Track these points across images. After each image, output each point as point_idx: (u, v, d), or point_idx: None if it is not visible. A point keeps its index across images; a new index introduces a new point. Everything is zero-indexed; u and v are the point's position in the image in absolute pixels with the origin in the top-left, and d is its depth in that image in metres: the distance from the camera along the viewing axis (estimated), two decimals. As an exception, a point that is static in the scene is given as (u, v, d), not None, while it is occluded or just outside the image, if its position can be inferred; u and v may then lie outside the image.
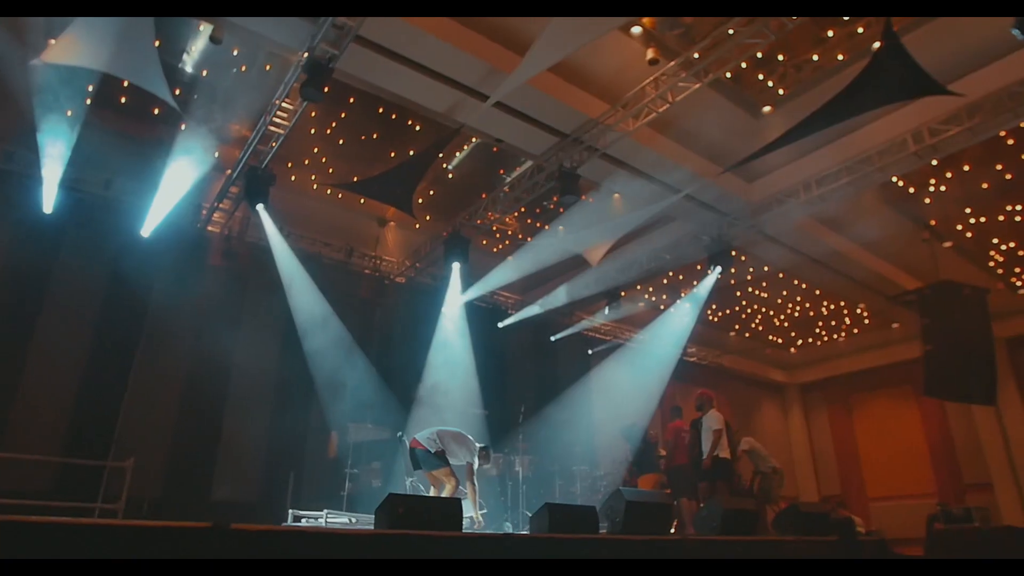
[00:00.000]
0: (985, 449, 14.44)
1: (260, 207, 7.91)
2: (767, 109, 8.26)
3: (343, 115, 8.53)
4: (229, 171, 8.96)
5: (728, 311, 15.46)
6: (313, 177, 9.90)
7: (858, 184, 8.08)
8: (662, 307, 15.02)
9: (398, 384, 9.02)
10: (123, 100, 8.17)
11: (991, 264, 12.56)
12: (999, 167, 9.55)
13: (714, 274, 9.53)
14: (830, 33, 7.16)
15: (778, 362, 18.51)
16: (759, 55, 7.39)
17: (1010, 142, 8.93)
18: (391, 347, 9.67)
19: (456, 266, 9.39)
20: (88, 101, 7.96)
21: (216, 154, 9.25)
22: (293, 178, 9.74)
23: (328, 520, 5.00)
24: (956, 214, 10.90)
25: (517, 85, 6.58)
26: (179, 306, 8.72)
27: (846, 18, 6.99)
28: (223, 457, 8.38)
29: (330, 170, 9.70)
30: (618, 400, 10.91)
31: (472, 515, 5.53)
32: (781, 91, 8.00)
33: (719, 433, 7.63)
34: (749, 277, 13.27)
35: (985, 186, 10.05)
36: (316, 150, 9.26)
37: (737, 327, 16.29)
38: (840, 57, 7.45)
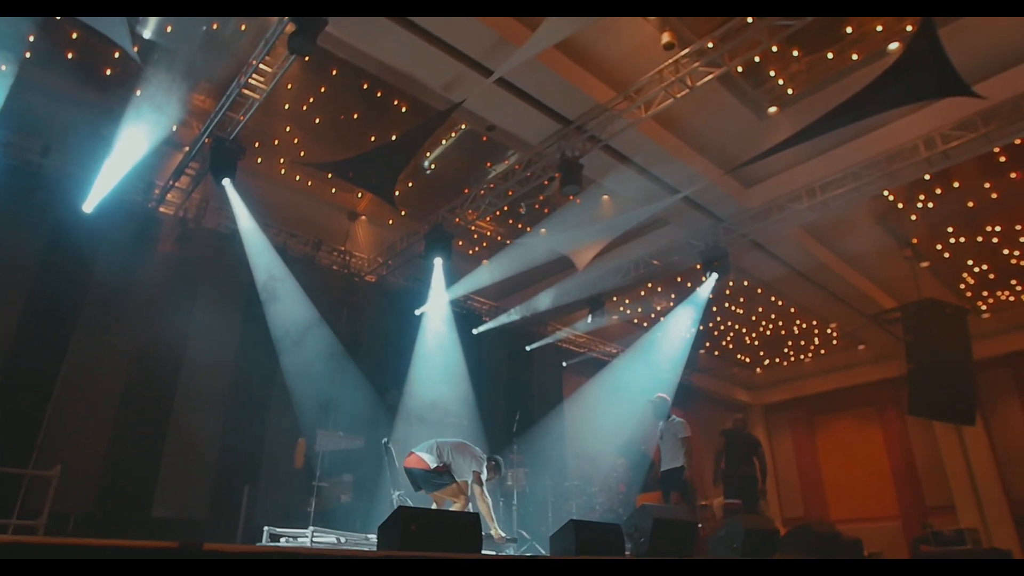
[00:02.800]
0: (948, 471, 14.53)
1: (226, 182, 7.02)
2: (772, 110, 7.94)
3: (323, 89, 7.77)
4: (188, 148, 8.06)
5: (701, 327, 15.15)
6: (282, 160, 9.05)
7: (864, 191, 7.84)
8: (635, 320, 14.67)
9: (372, 389, 8.16)
10: (70, 55, 7.20)
11: (961, 287, 12.67)
12: (987, 185, 9.56)
13: (711, 281, 9.08)
14: (848, 29, 6.90)
15: (743, 382, 18.38)
16: (774, 48, 7.08)
17: (1002, 159, 8.93)
18: (362, 349, 8.81)
19: (438, 262, 8.65)
20: (28, 54, 6.98)
21: (174, 127, 8.34)
22: (259, 160, 8.87)
23: (315, 540, 4.15)
24: (938, 233, 10.90)
25: (528, 58, 6.02)
26: (122, 294, 7.70)
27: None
28: (167, 467, 7.33)
29: (301, 153, 8.88)
30: (610, 416, 10.30)
31: (491, 532, 4.76)
32: (790, 90, 7.71)
33: (690, 440, 7.02)
34: (728, 291, 13.03)
35: (971, 204, 10.06)
36: (288, 129, 8.45)
37: (708, 344, 16.04)
38: (854, 57, 7.20)
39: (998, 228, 10.67)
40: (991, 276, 12.26)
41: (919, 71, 6.08)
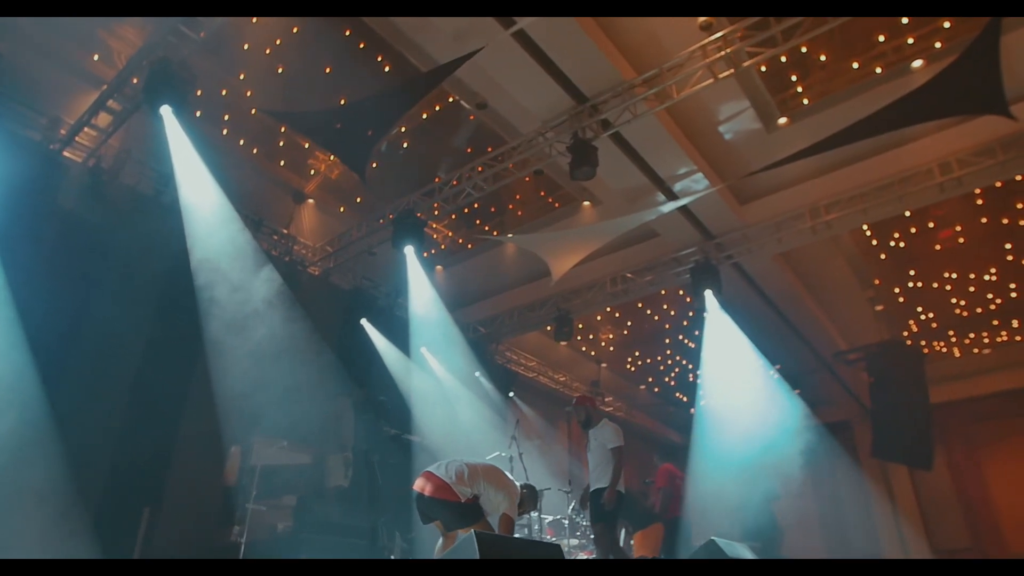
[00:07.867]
0: (876, 520, 14.55)
1: (167, 110, 5.53)
2: (782, 121, 7.51)
3: (295, 30, 6.55)
4: (106, 85, 6.53)
5: (649, 360, 14.65)
6: (227, 118, 7.65)
7: (872, 213, 7.51)
8: (583, 347, 13.91)
9: (317, 394, 6.67)
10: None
11: (905, 334, 12.84)
12: (958, 228, 9.63)
13: (712, 299, 8.36)
14: (881, 38, 6.59)
15: (678, 423, 17.97)
16: (803, 49, 6.68)
17: (980, 202, 8.98)
18: (308, 348, 7.31)
19: (410, 250, 7.39)
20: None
21: (96, 56, 6.81)
22: (198, 114, 7.42)
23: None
24: (900, 275, 10.94)
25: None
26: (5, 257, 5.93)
27: (902, 23, 6.46)
28: (39, 479, 5.54)
29: (252, 111, 7.53)
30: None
31: None
32: (806, 100, 7.31)
33: (621, 452, 5.62)
34: (685, 323, 12.56)
35: (938, 248, 10.13)
36: (243, 76, 7.09)
37: (651, 379, 15.54)
38: (878, 70, 6.89)
39: (954, 275, 10.82)
40: (933, 325, 12.50)
41: (961, 84, 5.78)
